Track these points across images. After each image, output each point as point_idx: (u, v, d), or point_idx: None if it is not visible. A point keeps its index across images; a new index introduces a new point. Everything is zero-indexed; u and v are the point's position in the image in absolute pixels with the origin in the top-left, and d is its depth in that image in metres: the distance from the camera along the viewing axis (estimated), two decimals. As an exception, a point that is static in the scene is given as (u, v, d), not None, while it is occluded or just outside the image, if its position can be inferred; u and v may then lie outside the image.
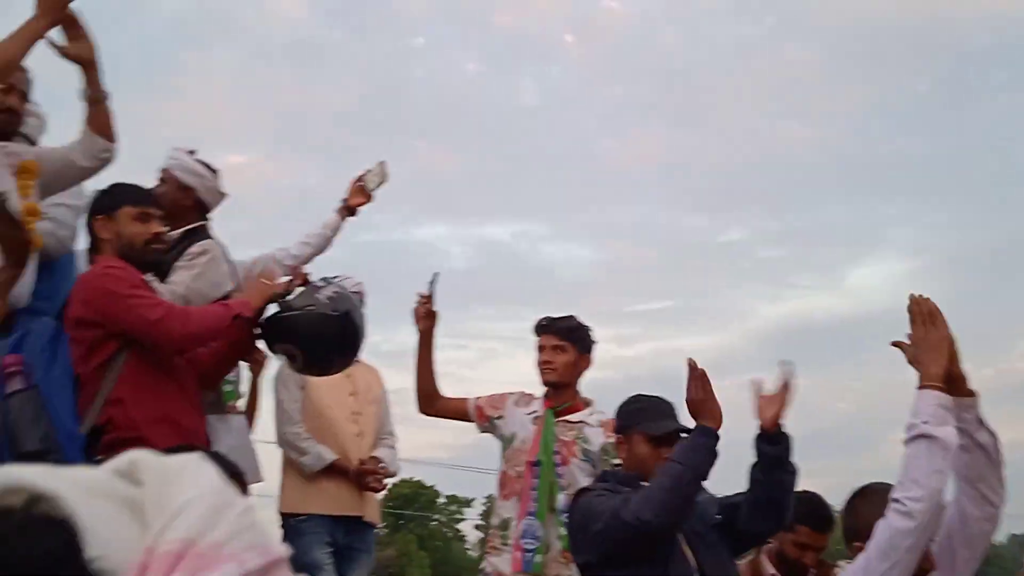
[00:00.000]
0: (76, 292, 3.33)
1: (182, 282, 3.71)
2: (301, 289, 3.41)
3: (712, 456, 3.03)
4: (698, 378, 3.07)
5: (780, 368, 3.14)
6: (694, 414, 3.09)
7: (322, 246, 4.56)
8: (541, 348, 4.13)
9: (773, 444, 3.09)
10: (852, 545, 3.00)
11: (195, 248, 3.86)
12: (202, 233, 4.00)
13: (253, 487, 4.18)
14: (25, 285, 3.58)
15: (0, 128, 3.63)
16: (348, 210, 4.61)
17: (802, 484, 3.54)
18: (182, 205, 3.91)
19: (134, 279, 3.31)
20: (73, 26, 3.41)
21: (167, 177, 3.98)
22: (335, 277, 4.76)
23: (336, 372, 3.82)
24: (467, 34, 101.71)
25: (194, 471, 0.58)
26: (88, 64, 3.53)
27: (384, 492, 5.11)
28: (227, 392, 4.27)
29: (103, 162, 3.71)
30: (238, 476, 2.55)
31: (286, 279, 3.43)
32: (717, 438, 3.05)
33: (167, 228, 3.55)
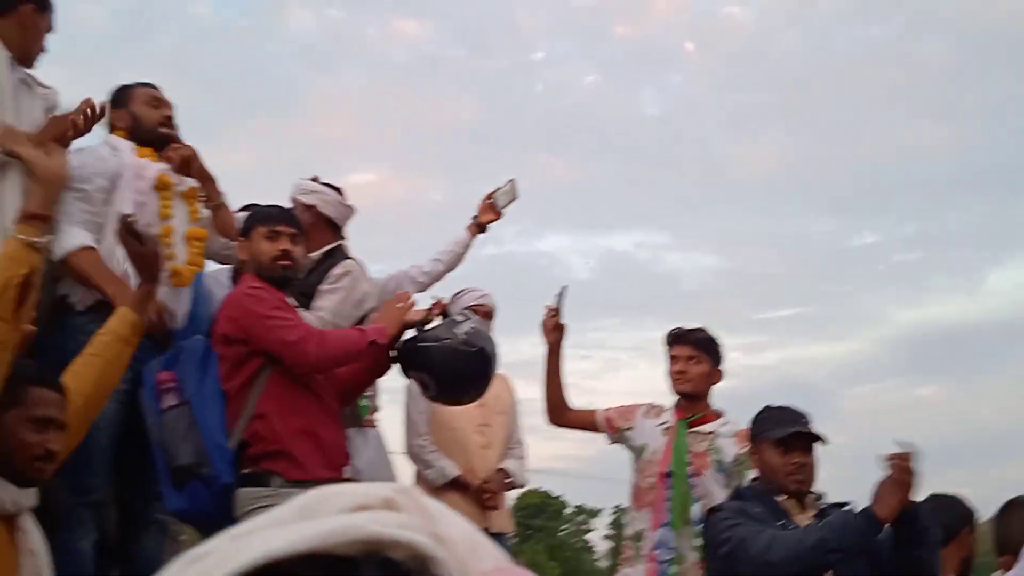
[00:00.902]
0: (222, 310, 3.48)
1: (328, 308, 3.83)
2: (439, 319, 3.48)
3: (863, 542, 2.97)
4: (902, 467, 2.95)
5: (899, 446, 3.00)
6: (876, 496, 2.98)
7: (453, 263, 4.68)
8: (674, 358, 4.11)
9: (905, 524, 2.99)
10: (1002, 557, 2.91)
11: (337, 269, 3.99)
12: (340, 253, 4.14)
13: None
14: (183, 306, 3.78)
15: (163, 139, 3.84)
16: (478, 227, 4.72)
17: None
18: (310, 225, 4.04)
19: (275, 299, 3.42)
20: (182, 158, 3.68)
21: (294, 204, 4.14)
22: (463, 291, 4.87)
23: (467, 403, 3.88)
24: (587, 46, 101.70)
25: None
26: (206, 179, 3.77)
27: (511, 502, 5.15)
28: (363, 406, 4.40)
29: (225, 259, 3.91)
30: None
31: (424, 308, 3.49)
32: (879, 530, 2.97)
33: (298, 249, 3.63)
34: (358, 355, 3.44)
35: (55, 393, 2.61)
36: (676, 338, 4.14)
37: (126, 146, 3.76)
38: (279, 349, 3.34)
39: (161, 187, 3.73)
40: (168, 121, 3.87)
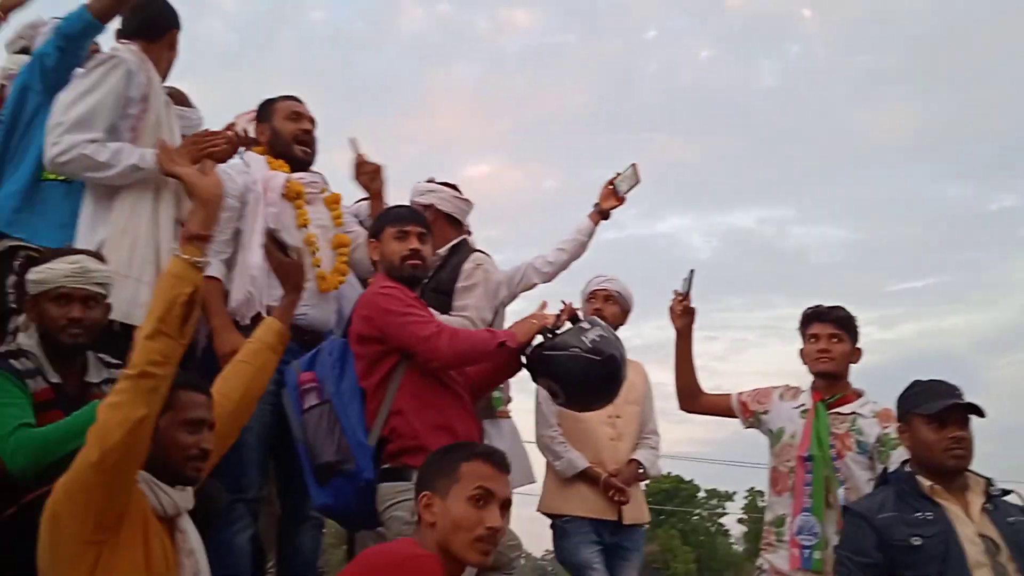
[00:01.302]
0: (357, 310, 3.56)
1: (471, 305, 3.95)
2: (569, 325, 3.48)
3: None
4: None
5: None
6: None
7: (577, 252, 4.71)
8: (815, 337, 4.02)
9: None
10: None
11: (467, 265, 4.06)
12: (466, 248, 4.21)
13: (524, 488, 4.34)
14: (330, 310, 3.90)
15: (301, 159, 3.96)
16: (601, 214, 4.73)
17: None
18: (431, 223, 4.11)
19: (407, 297, 3.50)
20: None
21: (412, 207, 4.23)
22: (594, 278, 4.88)
23: (597, 409, 3.89)
24: (699, 21, 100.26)
25: None
26: (377, 196, 4.08)
27: (643, 487, 5.12)
28: (495, 398, 4.45)
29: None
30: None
31: (554, 313, 3.50)
32: None
33: (426, 247, 3.70)
34: (487, 354, 3.47)
35: (203, 395, 2.73)
36: (816, 316, 4.05)
37: (258, 161, 3.89)
38: (413, 344, 3.41)
39: (292, 196, 3.85)
40: (304, 134, 3.98)
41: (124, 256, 3.40)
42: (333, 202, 4.05)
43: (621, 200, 4.74)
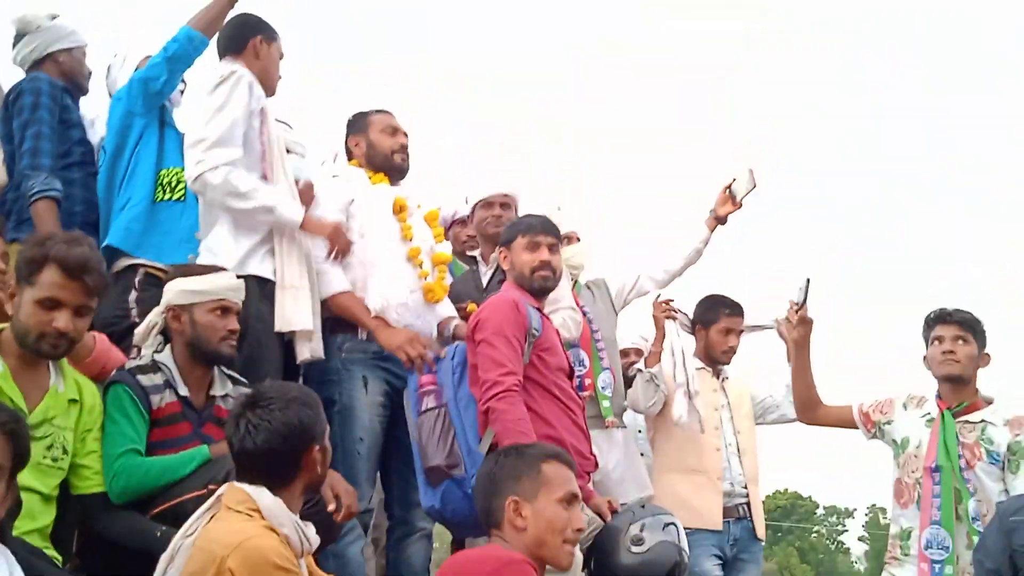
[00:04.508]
0: (474, 317, 3.55)
1: (561, 296, 4.04)
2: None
3: None
4: None
5: None
6: None
7: (693, 259, 4.74)
8: (939, 339, 3.86)
9: None
10: None
11: None
12: None
13: (641, 498, 4.28)
14: (432, 325, 3.94)
15: (398, 167, 4.02)
16: (718, 219, 4.68)
17: None
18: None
19: (514, 320, 3.41)
20: None
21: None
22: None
23: None
24: None
25: None
26: None
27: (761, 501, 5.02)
28: (605, 408, 4.41)
29: None
30: None
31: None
32: None
33: (555, 258, 3.71)
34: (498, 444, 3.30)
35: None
36: (940, 319, 3.89)
37: (359, 175, 3.94)
38: (473, 368, 3.43)
39: (398, 210, 3.91)
40: (403, 149, 4.03)
41: (289, 268, 3.55)
42: (432, 219, 4.11)
43: (738, 205, 4.68)
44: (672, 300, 4.87)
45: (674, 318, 4.81)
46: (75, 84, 4.00)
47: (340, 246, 3.68)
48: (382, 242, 3.81)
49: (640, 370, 4.74)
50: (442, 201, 4.67)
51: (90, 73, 4.09)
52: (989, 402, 3.85)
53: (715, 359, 4.81)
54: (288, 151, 3.88)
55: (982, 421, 3.79)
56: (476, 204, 4.45)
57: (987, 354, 3.90)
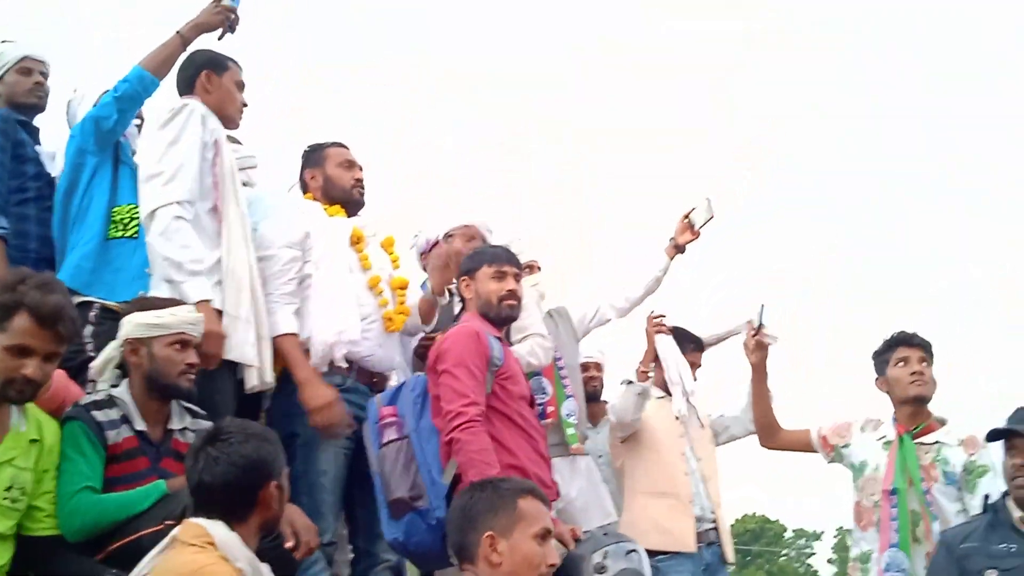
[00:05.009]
0: (435, 348, 3.55)
1: (529, 325, 4.06)
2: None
3: None
4: None
5: None
6: None
7: (653, 288, 4.75)
8: (904, 360, 3.91)
9: None
10: None
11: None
12: None
13: (604, 526, 4.28)
14: (394, 353, 3.92)
15: (355, 201, 4.01)
16: (677, 248, 4.71)
17: None
18: None
19: (475, 351, 3.42)
20: None
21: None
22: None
23: None
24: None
25: None
26: (450, 270, 3.95)
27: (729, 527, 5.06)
28: (570, 435, 4.41)
29: (412, 333, 4.16)
30: None
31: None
32: None
33: (520, 287, 3.73)
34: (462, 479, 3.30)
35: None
36: (903, 341, 3.95)
37: (315, 208, 3.94)
38: (436, 399, 3.42)
39: (355, 241, 3.91)
40: (359, 183, 4.04)
41: (233, 298, 3.50)
42: (388, 245, 4.10)
43: (697, 234, 4.71)
44: (664, 316, 4.94)
45: (666, 333, 4.87)
46: (24, 106, 3.99)
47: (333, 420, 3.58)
48: (340, 275, 3.80)
49: (630, 381, 4.77)
50: (404, 229, 4.66)
51: (39, 84, 4.08)
52: (943, 423, 3.91)
53: None
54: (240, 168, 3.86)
55: (936, 442, 3.84)
56: (442, 236, 4.46)
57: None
